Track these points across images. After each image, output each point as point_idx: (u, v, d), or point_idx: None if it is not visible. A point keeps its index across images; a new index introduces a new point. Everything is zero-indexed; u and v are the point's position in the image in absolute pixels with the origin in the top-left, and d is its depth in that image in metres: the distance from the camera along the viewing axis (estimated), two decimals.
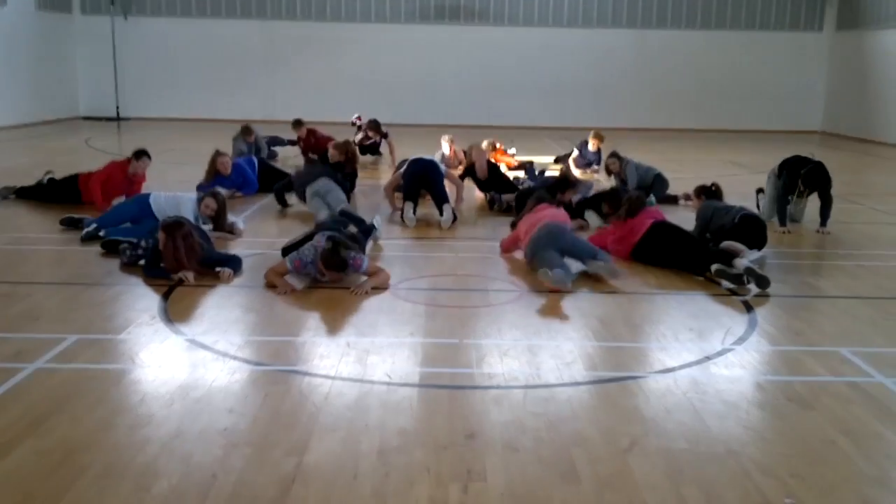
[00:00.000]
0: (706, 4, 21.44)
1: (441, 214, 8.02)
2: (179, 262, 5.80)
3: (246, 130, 12.07)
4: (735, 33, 21.48)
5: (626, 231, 6.82)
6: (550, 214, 6.67)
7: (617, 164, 10.04)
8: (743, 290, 5.85)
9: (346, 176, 9.13)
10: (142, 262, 6.10)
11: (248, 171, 9.83)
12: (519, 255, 6.69)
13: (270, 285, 5.70)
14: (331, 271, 5.62)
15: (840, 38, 21.11)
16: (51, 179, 8.98)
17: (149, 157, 8.58)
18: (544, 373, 4.27)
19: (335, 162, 9.47)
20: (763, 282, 5.80)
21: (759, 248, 6.72)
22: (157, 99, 21.48)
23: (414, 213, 8.10)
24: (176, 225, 5.88)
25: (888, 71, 18.88)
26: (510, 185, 9.43)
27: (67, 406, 3.70)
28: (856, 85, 20.18)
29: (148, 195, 7.46)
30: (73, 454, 3.26)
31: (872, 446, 3.50)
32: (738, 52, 21.47)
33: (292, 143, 13.15)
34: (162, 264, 5.89)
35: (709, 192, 7.62)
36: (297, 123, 12.80)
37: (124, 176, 8.48)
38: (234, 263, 6.09)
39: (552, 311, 5.37)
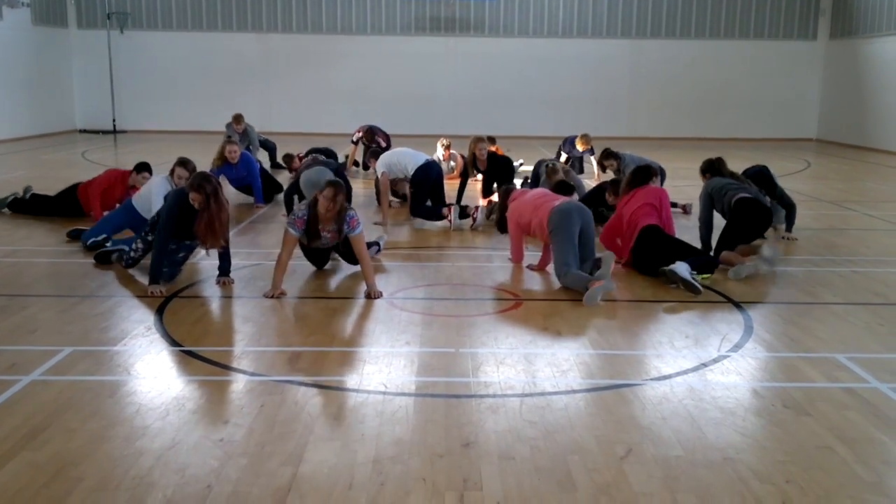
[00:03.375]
0: (700, 14, 21.55)
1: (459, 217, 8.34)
2: (210, 226, 5.74)
3: (237, 119, 12.32)
4: (729, 42, 21.59)
5: (630, 209, 6.63)
6: (545, 195, 6.49)
7: (615, 164, 9.57)
8: (690, 293, 5.87)
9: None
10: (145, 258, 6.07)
11: (254, 163, 10.00)
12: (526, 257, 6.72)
13: (277, 264, 5.80)
14: (331, 211, 5.72)
15: (833, 47, 21.22)
16: (34, 195, 8.97)
17: (150, 171, 8.37)
18: (540, 381, 4.26)
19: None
20: (692, 288, 5.84)
21: (761, 234, 6.60)
22: (154, 112, 21.53)
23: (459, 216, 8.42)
24: (203, 179, 5.82)
25: (881, 78, 18.99)
26: (511, 172, 9.53)
27: (62, 418, 3.69)
28: (849, 93, 20.28)
29: (129, 201, 7.47)
30: (67, 467, 3.24)
31: (869, 452, 3.50)
32: (733, 62, 21.57)
33: (279, 165, 12.90)
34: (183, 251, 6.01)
35: (711, 168, 7.51)
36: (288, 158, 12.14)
37: (125, 187, 8.46)
38: (224, 263, 6.15)
39: (548, 319, 5.37)
